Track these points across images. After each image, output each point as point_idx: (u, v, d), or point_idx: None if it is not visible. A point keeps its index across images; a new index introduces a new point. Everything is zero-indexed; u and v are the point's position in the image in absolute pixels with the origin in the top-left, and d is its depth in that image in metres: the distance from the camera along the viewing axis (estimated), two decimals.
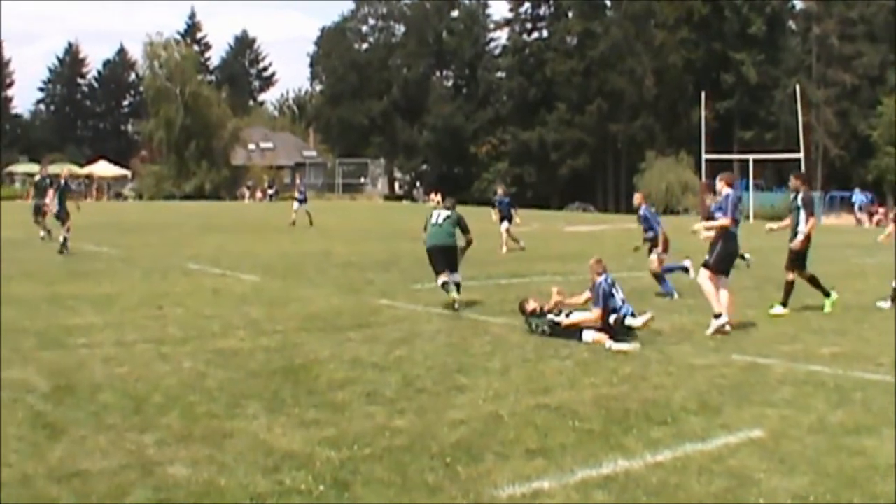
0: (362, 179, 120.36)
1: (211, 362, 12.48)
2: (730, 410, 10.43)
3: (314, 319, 16.44)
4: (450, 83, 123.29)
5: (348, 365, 12.46)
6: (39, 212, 34.04)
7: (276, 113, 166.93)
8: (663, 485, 7.93)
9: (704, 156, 72.51)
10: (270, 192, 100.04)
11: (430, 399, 10.66)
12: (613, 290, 15.00)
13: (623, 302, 14.94)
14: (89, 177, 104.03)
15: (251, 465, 8.22)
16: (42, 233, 34.07)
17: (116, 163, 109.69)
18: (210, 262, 26.95)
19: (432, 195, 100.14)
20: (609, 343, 13.97)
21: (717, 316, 15.55)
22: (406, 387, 11.23)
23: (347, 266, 26.28)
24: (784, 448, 9.06)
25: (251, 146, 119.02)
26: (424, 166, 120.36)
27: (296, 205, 48.74)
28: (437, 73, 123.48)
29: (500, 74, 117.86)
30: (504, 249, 32.33)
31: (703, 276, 16.10)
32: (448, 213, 19.34)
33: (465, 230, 19.33)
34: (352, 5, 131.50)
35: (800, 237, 18.34)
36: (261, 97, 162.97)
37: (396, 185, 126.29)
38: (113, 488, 7.60)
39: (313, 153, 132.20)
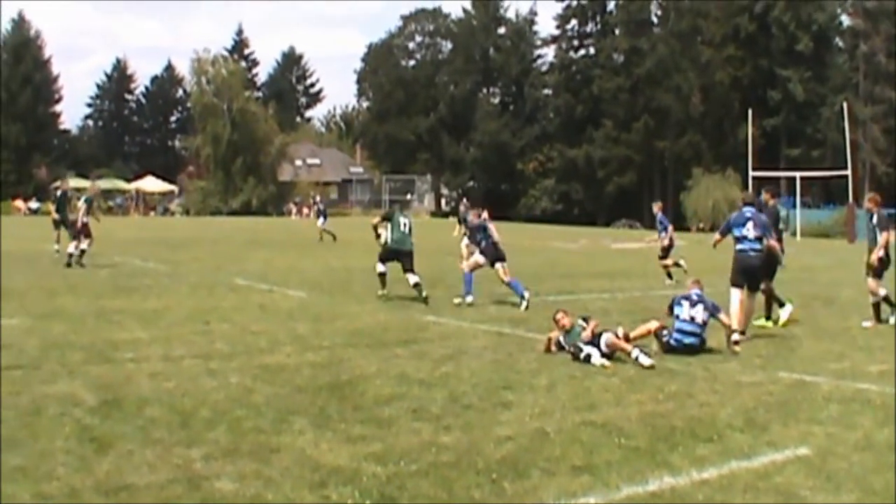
0: (409, 196, 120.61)
1: (258, 378, 12.52)
2: (776, 428, 10.38)
3: (361, 335, 16.47)
4: (496, 100, 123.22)
5: (395, 381, 12.47)
6: (59, 226, 33.76)
7: (323, 129, 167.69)
8: (709, 502, 7.90)
9: (751, 173, 72.22)
10: (317, 207, 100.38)
11: (477, 415, 10.65)
12: (680, 302, 15.64)
13: (690, 320, 15.29)
14: (137, 192, 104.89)
15: (297, 480, 8.23)
16: (56, 246, 33.79)
17: (163, 178, 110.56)
18: (257, 277, 27.08)
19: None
20: (636, 353, 13.91)
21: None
22: (452, 403, 11.23)
23: (394, 282, 26.26)
24: (830, 466, 9.00)
25: (298, 162, 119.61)
26: (471, 183, 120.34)
27: (320, 221, 48.91)
28: (484, 90, 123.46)
29: (546, 91, 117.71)
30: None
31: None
32: (410, 220, 22.84)
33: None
34: (399, 22, 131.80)
35: (879, 252, 18.98)
36: (308, 113, 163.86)
37: (443, 201, 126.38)
38: (160, 502, 7.64)
39: (360, 169, 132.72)
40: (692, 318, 15.38)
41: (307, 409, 10.75)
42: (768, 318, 19.41)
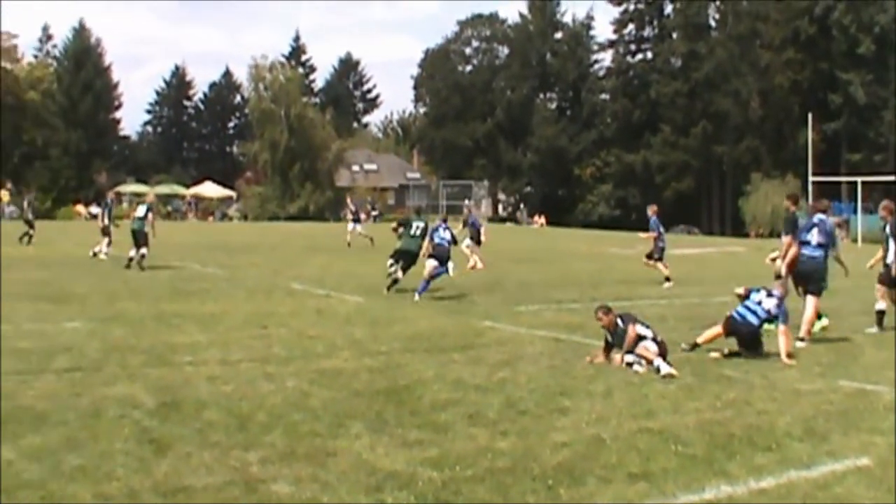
0: (466, 201, 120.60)
1: (315, 382, 12.58)
2: (836, 437, 10.30)
3: (418, 340, 16.50)
4: (553, 105, 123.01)
5: (451, 386, 12.49)
6: (107, 233, 35.75)
7: (380, 135, 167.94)
8: None
9: (811, 178, 71.61)
10: (374, 213, 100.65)
11: (533, 421, 10.65)
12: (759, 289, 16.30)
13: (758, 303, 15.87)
14: (194, 198, 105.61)
15: (353, 484, 8.28)
16: (98, 248, 35.68)
17: (222, 184, 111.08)
18: (314, 282, 27.17)
19: (536, 217, 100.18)
20: (657, 362, 13.83)
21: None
22: (509, 408, 11.23)
23: (451, 287, 26.31)
24: (892, 476, 8.92)
25: (355, 168, 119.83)
26: (528, 188, 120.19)
27: (350, 225, 48.95)
28: (541, 95, 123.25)
29: (604, 96, 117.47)
30: (478, 265, 32.99)
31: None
32: (422, 224, 25.42)
33: (426, 236, 24.97)
34: (455, 27, 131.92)
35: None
36: (365, 119, 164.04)
37: (500, 206, 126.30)
38: None
39: (417, 175, 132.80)
40: (760, 302, 15.83)
41: (364, 414, 10.79)
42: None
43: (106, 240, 35.66)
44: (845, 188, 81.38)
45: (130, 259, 30.82)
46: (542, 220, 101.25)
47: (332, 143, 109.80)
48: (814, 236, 17.30)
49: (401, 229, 26.12)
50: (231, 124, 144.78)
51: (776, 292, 16.12)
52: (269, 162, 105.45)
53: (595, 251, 30.89)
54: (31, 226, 44.70)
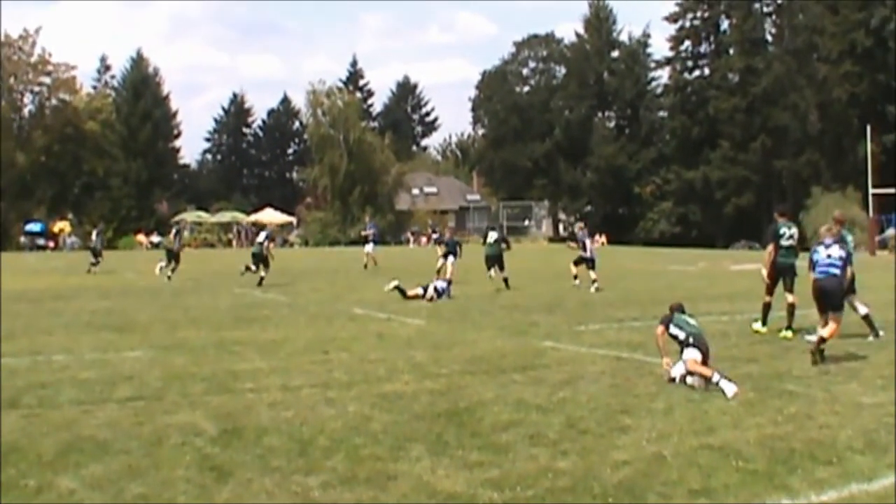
0: (526, 222, 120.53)
1: (376, 405, 12.60)
2: None
3: (479, 362, 16.48)
4: (612, 123, 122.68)
5: (512, 407, 12.46)
6: (173, 258, 40.52)
7: (439, 157, 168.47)
8: None
9: (871, 190, 70.98)
10: (435, 236, 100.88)
11: (594, 440, 10.62)
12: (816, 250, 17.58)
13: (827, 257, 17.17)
14: (255, 224, 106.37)
15: None
16: (163, 265, 41.09)
17: (282, 210, 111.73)
18: (375, 306, 27.23)
19: (597, 237, 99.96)
20: (716, 377, 13.71)
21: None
22: (569, 428, 11.20)
23: (512, 308, 26.31)
24: None
25: (415, 191, 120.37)
26: (589, 207, 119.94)
27: (368, 247, 49.23)
28: (599, 114, 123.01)
29: (662, 113, 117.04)
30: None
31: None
32: (496, 234, 35.36)
33: (504, 241, 35.91)
34: (512, 48, 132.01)
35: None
36: (423, 142, 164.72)
37: (561, 226, 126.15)
38: None
39: (477, 197, 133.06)
40: (829, 255, 17.08)
41: (425, 436, 10.80)
42: (789, 327, 20.20)
43: (174, 264, 39.86)
44: None
45: (247, 269, 38.02)
46: (604, 238, 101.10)
47: (391, 167, 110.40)
48: (834, 251, 17.34)
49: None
50: (290, 150, 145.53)
51: (826, 240, 17.45)
52: (329, 187, 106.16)
53: (656, 269, 30.61)
54: (97, 255, 45.59)
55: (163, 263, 41.15)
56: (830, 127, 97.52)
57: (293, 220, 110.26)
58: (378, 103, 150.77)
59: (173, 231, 43.54)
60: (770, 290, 20.95)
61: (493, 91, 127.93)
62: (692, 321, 14.71)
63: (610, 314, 24.33)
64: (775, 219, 21.35)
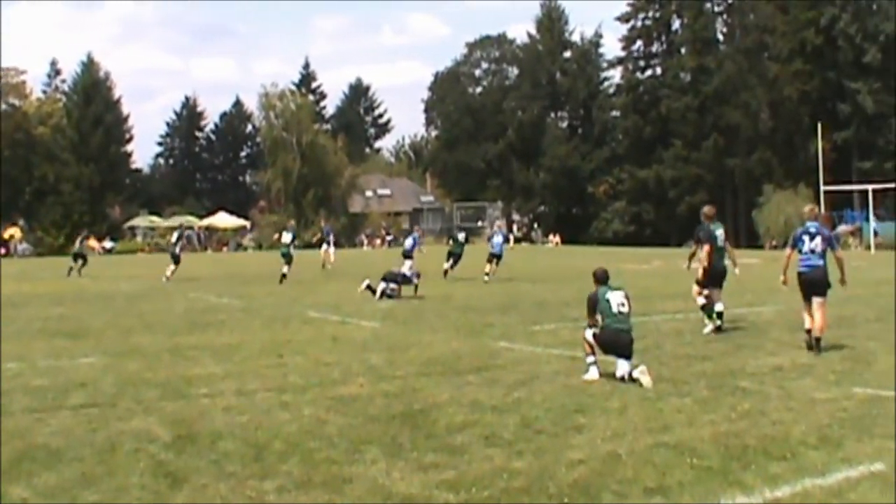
0: (479, 223, 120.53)
1: (331, 409, 12.59)
2: (851, 444, 10.32)
3: (434, 364, 16.50)
4: (565, 124, 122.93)
5: (467, 408, 12.49)
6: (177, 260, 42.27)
7: (392, 159, 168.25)
8: None
9: (823, 187, 71.51)
10: (389, 238, 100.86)
11: (549, 440, 10.66)
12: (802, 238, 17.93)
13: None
14: (208, 228, 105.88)
15: None
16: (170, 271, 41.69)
17: (236, 213, 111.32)
18: (330, 309, 27.22)
19: (551, 236, 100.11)
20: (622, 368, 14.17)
21: None
22: (524, 428, 11.24)
23: (467, 310, 26.36)
24: None
25: (369, 193, 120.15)
26: (542, 208, 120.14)
27: (324, 246, 49.40)
28: (552, 115, 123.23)
29: (614, 113, 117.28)
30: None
31: None
32: (464, 235, 41.41)
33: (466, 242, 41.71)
34: (464, 49, 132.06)
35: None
36: (377, 144, 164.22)
37: (514, 227, 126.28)
38: None
39: (431, 198, 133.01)
40: (812, 250, 17.58)
41: (380, 439, 10.81)
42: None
43: (173, 266, 41.39)
44: (857, 196, 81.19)
45: (284, 276, 39.99)
46: (557, 239, 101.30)
47: (344, 170, 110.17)
48: (817, 245, 17.73)
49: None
50: (243, 154, 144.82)
51: (812, 228, 17.86)
52: (283, 190, 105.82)
53: (610, 268, 30.79)
54: (80, 259, 47.65)
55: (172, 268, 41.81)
56: (782, 125, 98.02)
57: (247, 223, 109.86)
58: (331, 105, 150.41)
59: (175, 234, 44.64)
60: (703, 289, 21.29)
61: (446, 92, 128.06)
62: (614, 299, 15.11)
63: (564, 314, 24.41)
64: (703, 219, 21.51)
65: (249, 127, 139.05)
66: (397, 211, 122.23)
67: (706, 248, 20.94)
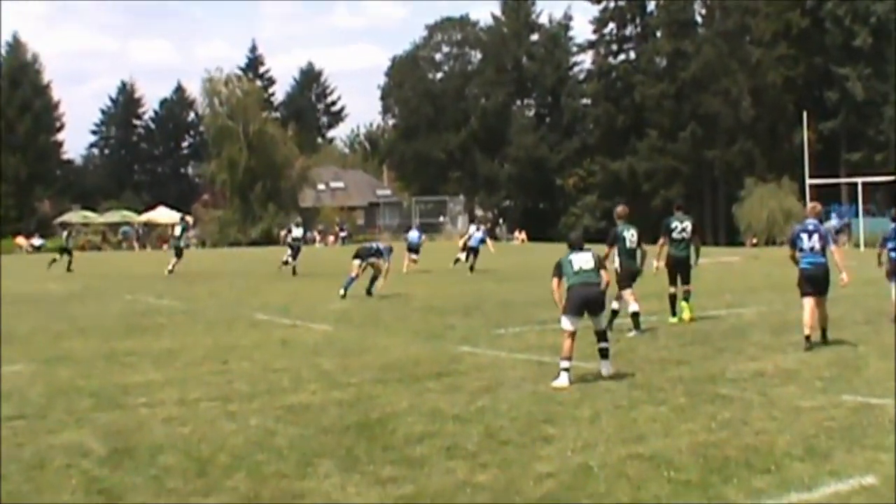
0: (441, 218, 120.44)
1: (280, 419, 12.54)
2: (839, 456, 10.30)
3: (391, 370, 16.47)
4: (532, 112, 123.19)
5: (427, 417, 12.47)
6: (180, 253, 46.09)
7: (346, 150, 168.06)
8: None
9: (808, 181, 71.78)
10: (343, 234, 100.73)
11: (515, 451, 10.64)
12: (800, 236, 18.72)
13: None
14: (147, 224, 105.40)
15: None
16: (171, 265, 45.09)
17: (177, 208, 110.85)
18: (279, 311, 27.17)
19: (517, 233, 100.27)
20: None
21: None
22: (489, 439, 11.22)
23: (427, 311, 26.37)
24: None
25: (321, 186, 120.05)
26: (507, 202, 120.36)
27: (288, 250, 49.42)
28: (518, 102, 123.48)
29: (585, 101, 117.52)
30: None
31: None
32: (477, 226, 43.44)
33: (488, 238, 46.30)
34: (424, 32, 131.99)
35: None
36: (330, 134, 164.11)
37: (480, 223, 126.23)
38: None
39: (388, 192, 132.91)
40: (812, 248, 18.28)
41: (333, 451, 10.77)
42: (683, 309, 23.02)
43: (175, 259, 44.82)
44: (846, 190, 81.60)
45: (285, 262, 44.31)
46: (523, 235, 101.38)
47: (295, 161, 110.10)
48: (815, 242, 18.33)
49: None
50: (185, 144, 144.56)
51: (811, 225, 18.59)
52: (228, 183, 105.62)
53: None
54: (69, 254, 49.24)
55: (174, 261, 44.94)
56: (765, 114, 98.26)
57: (189, 219, 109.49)
58: (280, 92, 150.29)
59: (179, 228, 49.40)
60: (673, 282, 23.00)
61: (404, 78, 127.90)
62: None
63: (531, 315, 24.41)
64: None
65: (192, 115, 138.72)
66: (352, 205, 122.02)
67: (660, 240, 23.37)
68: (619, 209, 22.51)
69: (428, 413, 12.72)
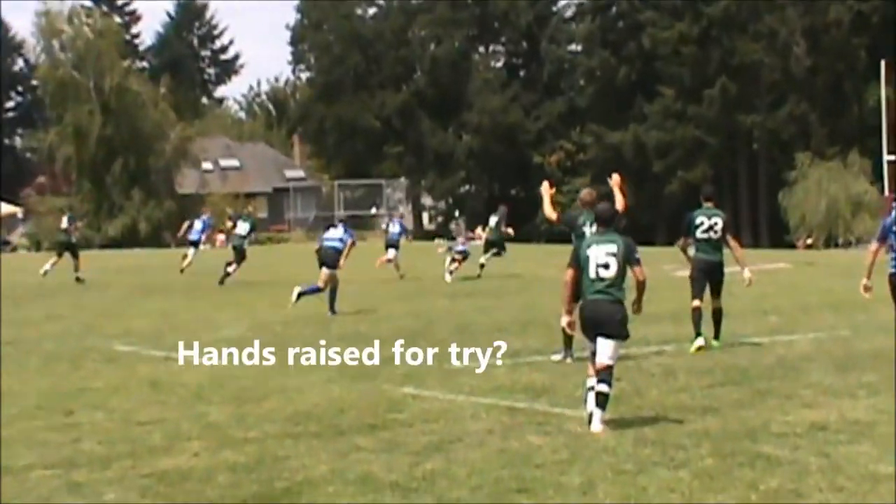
0: (374, 210, 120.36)
1: (148, 492, 12.50)
2: None
3: (305, 420, 16.46)
4: (500, 63, 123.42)
5: (355, 486, 12.47)
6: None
7: (243, 115, 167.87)
8: None
9: (886, 156, 71.89)
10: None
11: None
12: None
13: None
14: None
15: None
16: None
17: (1, 196, 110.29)
18: (148, 340, 27.11)
19: (478, 230, 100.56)
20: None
21: None
22: None
23: (356, 338, 26.33)
24: None
25: (207, 165, 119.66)
26: (466, 187, 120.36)
27: (191, 250, 49.84)
28: (481, 49, 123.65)
29: (573, 47, 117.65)
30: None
31: None
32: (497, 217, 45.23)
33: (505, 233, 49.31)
34: None
35: None
36: (219, 92, 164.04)
37: (425, 216, 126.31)
38: None
39: (300, 173, 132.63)
40: None
41: None
42: (716, 336, 23.46)
43: (56, 258, 51.04)
44: None
45: (227, 273, 45.44)
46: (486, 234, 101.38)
47: (170, 130, 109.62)
48: None
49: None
50: (10, 105, 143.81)
51: None
52: (74, 160, 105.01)
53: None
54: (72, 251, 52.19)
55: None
56: (825, 64, 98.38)
57: (17, 210, 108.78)
58: (149, 33, 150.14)
59: (65, 219, 54.25)
60: (698, 294, 23.22)
61: (324, 15, 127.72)
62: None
63: (498, 343, 24.41)
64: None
65: (20, 63, 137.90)
66: (250, 192, 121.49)
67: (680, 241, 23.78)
68: (584, 193, 21.75)
69: (356, 481, 12.71)
